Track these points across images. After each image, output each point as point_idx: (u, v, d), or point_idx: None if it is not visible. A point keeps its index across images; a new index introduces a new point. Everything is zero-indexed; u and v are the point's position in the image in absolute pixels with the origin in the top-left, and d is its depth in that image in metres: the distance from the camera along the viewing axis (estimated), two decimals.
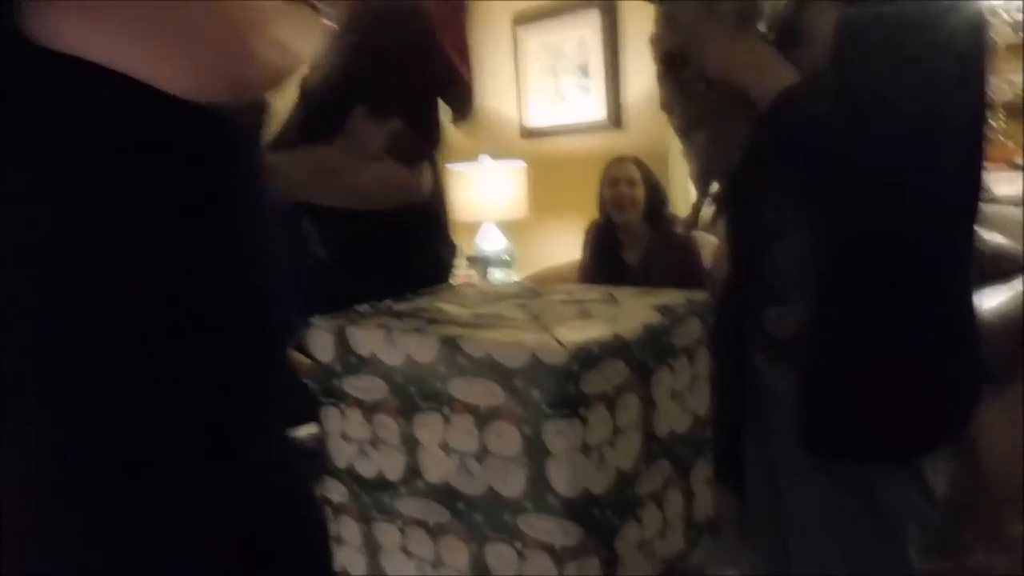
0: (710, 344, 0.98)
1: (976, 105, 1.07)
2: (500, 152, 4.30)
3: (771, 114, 1.03)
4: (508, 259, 4.06)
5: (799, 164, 1.05)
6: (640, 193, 3.13)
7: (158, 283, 0.62)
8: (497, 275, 4.06)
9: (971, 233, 1.09)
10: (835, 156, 1.00)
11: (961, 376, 1.11)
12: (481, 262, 4.09)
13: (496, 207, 3.98)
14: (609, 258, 3.24)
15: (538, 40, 4.20)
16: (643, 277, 3.12)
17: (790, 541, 1.17)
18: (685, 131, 1.18)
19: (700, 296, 0.97)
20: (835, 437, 1.08)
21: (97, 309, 0.61)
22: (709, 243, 3.35)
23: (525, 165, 4.01)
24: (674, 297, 0.95)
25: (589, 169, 3.38)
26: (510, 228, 4.11)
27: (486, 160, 4.04)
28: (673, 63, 1.14)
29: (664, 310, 0.90)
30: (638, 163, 3.18)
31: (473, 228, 4.06)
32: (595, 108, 3.97)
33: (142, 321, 0.62)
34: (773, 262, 1.15)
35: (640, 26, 3.80)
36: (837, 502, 1.10)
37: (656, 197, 3.16)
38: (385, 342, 0.88)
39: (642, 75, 3.82)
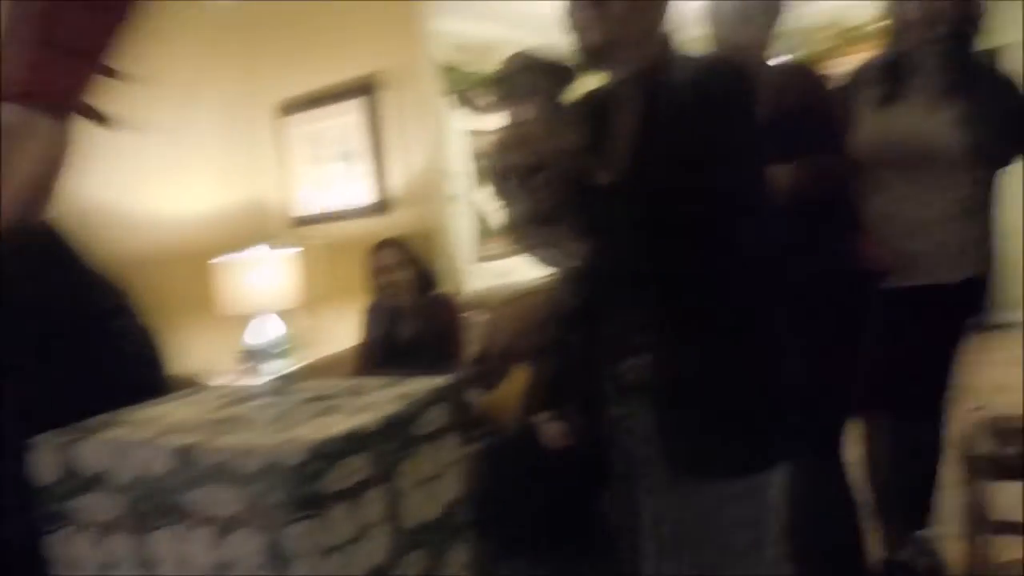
0: (459, 425, 1.00)
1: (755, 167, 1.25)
2: (270, 241, 4.23)
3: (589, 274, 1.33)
4: (284, 350, 3.96)
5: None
6: (403, 275, 3.21)
7: None
8: (273, 367, 3.94)
9: (778, 275, 1.28)
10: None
11: (783, 402, 1.35)
12: (256, 355, 3.97)
13: (270, 297, 3.89)
14: (384, 338, 3.27)
15: (303, 129, 4.20)
16: (417, 352, 3.17)
17: (662, 553, 1.38)
18: (528, 226, 1.30)
19: (445, 381, 0.99)
20: (693, 461, 1.31)
21: None
22: (477, 323, 3.45)
23: (298, 252, 3.96)
24: (418, 385, 0.97)
25: (360, 254, 3.39)
26: (285, 318, 4.02)
27: (258, 249, 3.96)
28: (529, 172, 1.26)
29: (408, 399, 0.92)
30: (399, 245, 3.26)
31: (247, 320, 3.94)
32: (362, 193, 4.01)
33: None
34: (621, 326, 1.37)
35: (400, 113, 3.90)
36: (701, 516, 1.32)
37: (422, 275, 3.25)
38: (115, 456, 0.84)
39: (407, 159, 3.90)
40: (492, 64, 6.02)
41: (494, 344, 3.51)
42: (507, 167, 1.34)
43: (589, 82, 1.38)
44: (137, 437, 0.84)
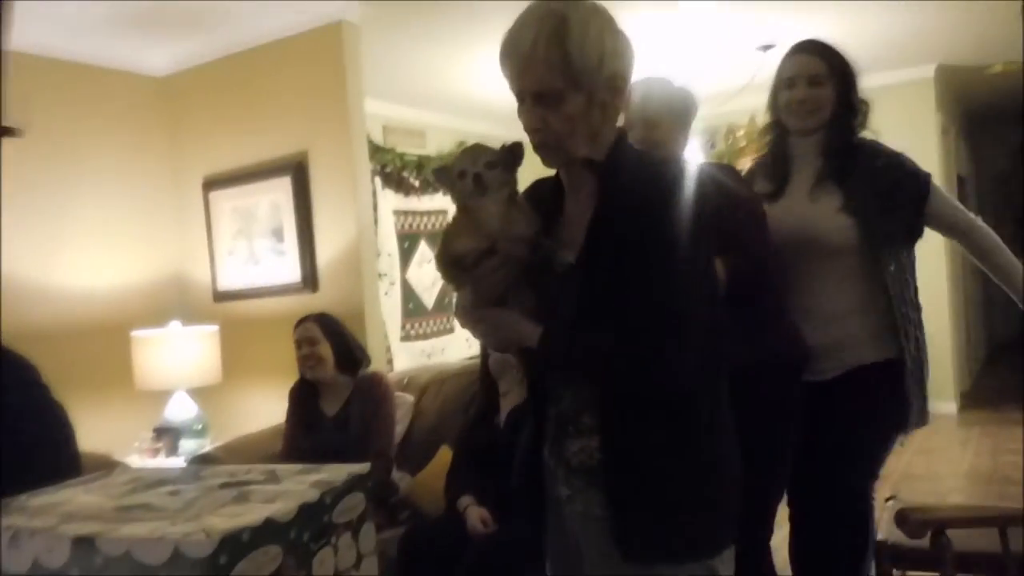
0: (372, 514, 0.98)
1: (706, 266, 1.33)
2: (192, 317, 4.13)
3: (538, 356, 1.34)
4: (200, 428, 3.83)
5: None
6: (324, 350, 3.17)
7: None
8: (189, 446, 3.81)
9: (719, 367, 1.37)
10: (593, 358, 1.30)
11: (730, 486, 1.36)
12: (171, 433, 3.83)
13: (188, 373, 3.78)
14: (309, 412, 3.21)
15: (231, 204, 4.16)
16: (341, 426, 3.12)
17: None
18: (477, 309, 1.38)
19: (362, 469, 0.96)
20: (645, 546, 1.30)
21: None
22: (405, 402, 3.41)
23: (217, 328, 3.88)
24: (335, 473, 0.94)
25: (285, 331, 3.34)
26: (203, 395, 3.91)
27: (176, 325, 3.86)
28: (480, 256, 1.34)
29: (324, 486, 0.89)
30: (320, 321, 3.22)
31: (163, 397, 3.82)
32: (290, 271, 3.97)
33: None
34: (569, 407, 1.39)
35: (330, 190, 3.91)
36: None
37: (344, 349, 3.21)
38: (9, 546, 0.79)
39: (335, 237, 3.89)
40: (421, 146, 6.08)
41: (420, 425, 3.45)
42: (459, 252, 1.36)
43: (538, 170, 1.43)
44: (35, 524, 0.80)
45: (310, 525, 0.84)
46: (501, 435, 2.80)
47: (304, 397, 3.26)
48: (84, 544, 0.75)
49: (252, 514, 0.79)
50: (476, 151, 1.36)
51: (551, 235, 1.37)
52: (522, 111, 1.33)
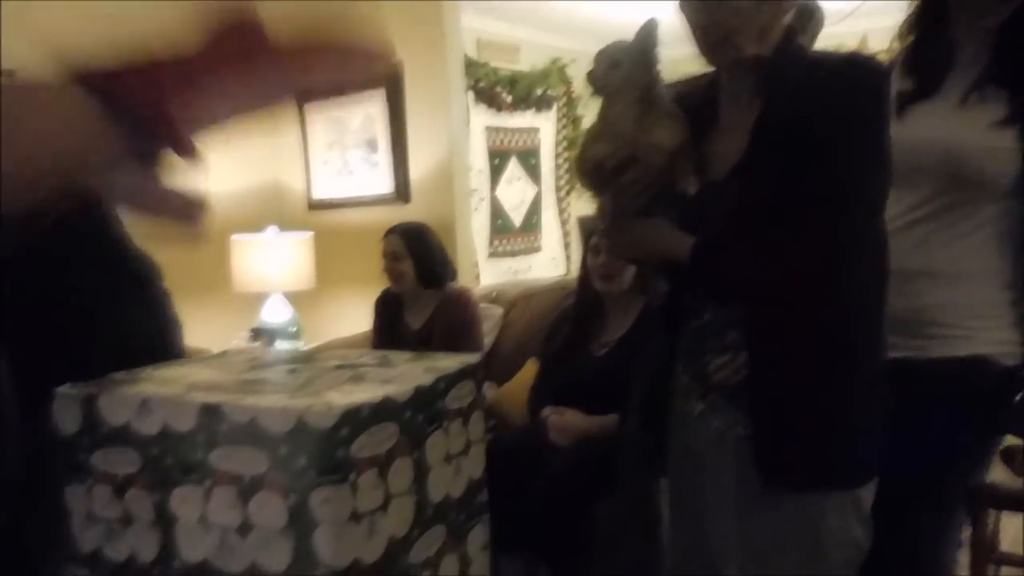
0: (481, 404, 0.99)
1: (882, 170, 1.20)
2: (287, 224, 4.22)
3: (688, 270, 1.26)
4: (294, 330, 3.95)
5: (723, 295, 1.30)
6: (405, 265, 3.21)
7: None
8: (283, 347, 3.93)
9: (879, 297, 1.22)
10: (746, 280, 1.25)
11: (879, 415, 1.25)
12: (266, 333, 3.96)
13: (283, 278, 3.88)
14: (393, 324, 3.27)
15: (325, 115, 4.19)
16: (425, 340, 3.17)
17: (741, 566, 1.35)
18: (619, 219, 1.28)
19: (474, 359, 0.97)
20: (789, 470, 1.25)
21: None
22: (492, 314, 3.44)
23: (312, 235, 3.96)
24: (448, 361, 0.95)
25: (377, 240, 3.38)
26: (297, 299, 4.01)
27: (273, 231, 3.95)
28: (620, 167, 1.23)
29: (438, 372, 0.90)
30: (405, 235, 3.25)
31: (260, 299, 3.93)
32: (382, 182, 4.00)
33: None
34: (713, 319, 1.33)
35: (424, 104, 3.89)
36: (791, 529, 1.28)
37: (426, 265, 3.24)
38: (140, 410, 0.82)
39: (427, 151, 3.89)
40: (516, 62, 6.02)
41: (507, 339, 3.49)
42: (594, 158, 1.32)
43: (689, 74, 1.36)
44: (163, 392, 0.83)
45: (424, 408, 0.85)
46: (595, 363, 2.79)
47: (388, 309, 3.33)
48: (211, 411, 0.78)
49: (370, 392, 0.80)
50: (605, 49, 1.30)
51: (704, 145, 1.30)
52: (685, 5, 1.25)
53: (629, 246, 1.33)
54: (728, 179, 1.25)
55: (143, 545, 0.82)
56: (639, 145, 1.25)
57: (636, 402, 2.14)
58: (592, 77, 1.31)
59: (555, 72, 5.91)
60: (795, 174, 1.17)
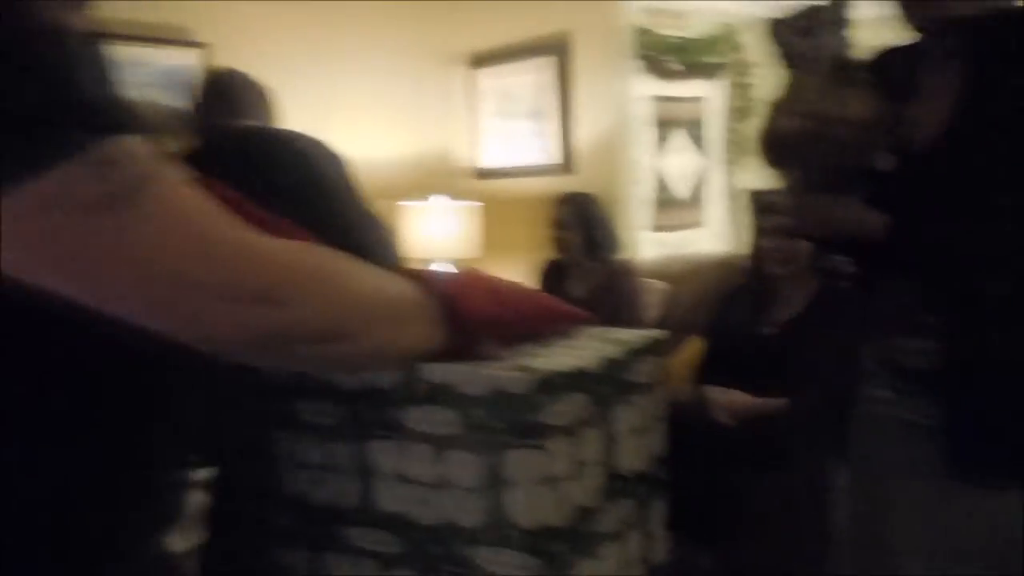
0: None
1: None
2: (453, 192, 4.31)
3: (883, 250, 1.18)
4: None
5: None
6: (571, 235, 3.20)
7: None
8: None
9: None
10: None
11: None
12: None
13: (450, 246, 3.98)
14: (556, 293, 3.29)
15: (493, 83, 4.25)
16: (588, 311, 3.18)
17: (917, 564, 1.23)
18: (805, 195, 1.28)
19: (655, 334, 0.97)
20: (981, 465, 1.16)
21: None
22: (655, 289, 3.40)
23: (481, 204, 4.03)
24: (631, 334, 0.95)
25: (541, 210, 3.41)
26: (463, 267, 4.11)
27: (439, 199, 4.05)
28: (807, 141, 1.21)
29: (626, 345, 0.90)
30: (574, 203, 3.24)
31: (425, 267, 4.05)
32: (548, 152, 4.02)
33: None
34: (905, 302, 1.24)
35: (592, 73, 3.87)
36: (986, 530, 1.19)
37: (592, 236, 3.22)
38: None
39: (594, 121, 3.88)
40: (684, 28, 5.86)
41: (671, 314, 3.45)
42: (778, 130, 1.24)
43: (884, 41, 1.26)
44: None
45: (612, 380, 0.86)
46: (764, 344, 2.70)
47: (552, 278, 3.34)
48: (409, 372, 0.81)
49: (560, 360, 0.82)
50: (792, 15, 1.23)
51: (901, 116, 1.22)
52: None
53: (818, 225, 1.26)
54: (932, 151, 1.16)
55: (343, 493, 0.87)
56: (830, 118, 1.18)
57: (817, 385, 2.07)
58: (778, 45, 1.24)
59: (725, 38, 5.72)
60: (1012, 145, 1.07)
